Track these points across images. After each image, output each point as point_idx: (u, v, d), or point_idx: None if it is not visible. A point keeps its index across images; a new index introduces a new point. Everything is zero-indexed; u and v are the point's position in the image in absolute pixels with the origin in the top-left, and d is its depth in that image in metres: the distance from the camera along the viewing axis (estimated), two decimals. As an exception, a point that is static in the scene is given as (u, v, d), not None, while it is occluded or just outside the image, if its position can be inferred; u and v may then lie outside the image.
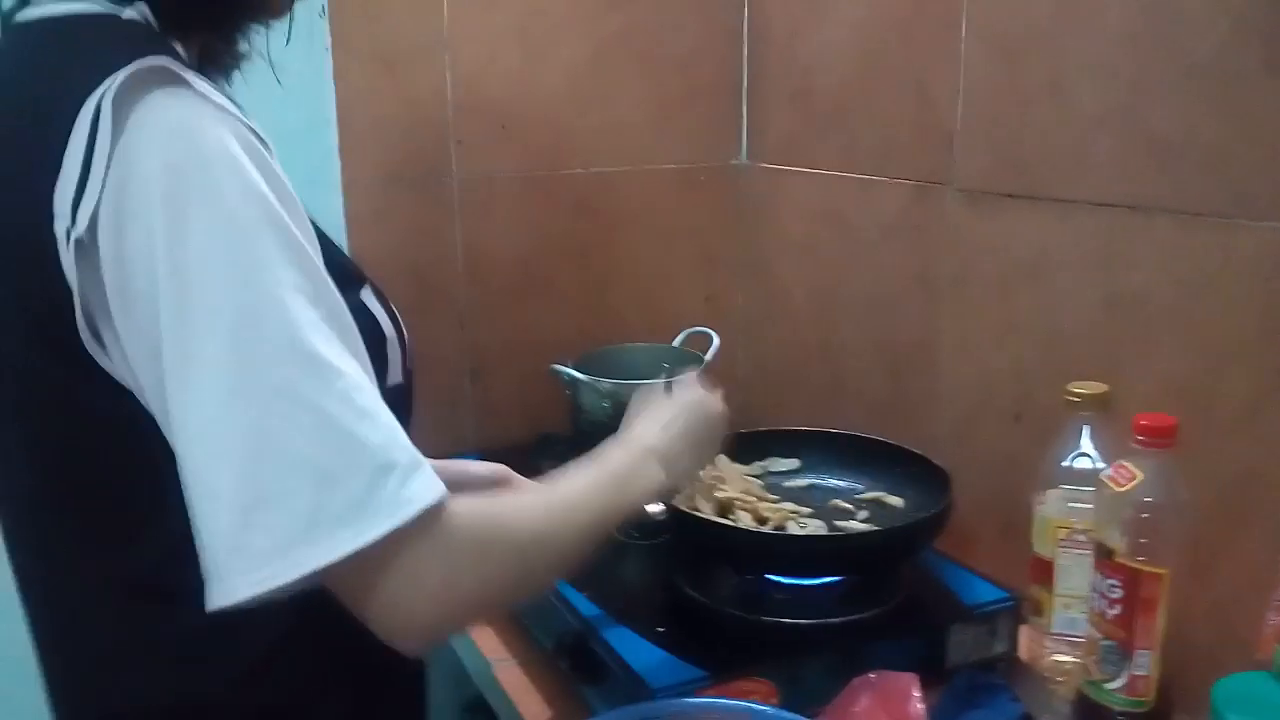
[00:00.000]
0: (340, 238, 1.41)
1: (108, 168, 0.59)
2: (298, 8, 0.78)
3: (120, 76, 0.60)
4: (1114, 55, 1.02)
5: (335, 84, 1.37)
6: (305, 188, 1.42)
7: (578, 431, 1.43)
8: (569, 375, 1.40)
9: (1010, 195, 1.16)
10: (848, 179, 1.43)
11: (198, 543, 0.60)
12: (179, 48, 0.70)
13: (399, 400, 0.75)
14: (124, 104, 0.60)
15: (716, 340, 1.48)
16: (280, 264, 0.61)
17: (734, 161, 1.65)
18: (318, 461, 0.59)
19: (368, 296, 0.77)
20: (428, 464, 0.64)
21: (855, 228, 1.43)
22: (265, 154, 0.65)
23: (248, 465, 0.59)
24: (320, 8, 1.34)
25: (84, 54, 0.64)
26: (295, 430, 0.59)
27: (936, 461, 1.16)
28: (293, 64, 1.33)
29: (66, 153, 0.60)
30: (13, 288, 0.64)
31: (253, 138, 0.65)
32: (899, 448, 1.22)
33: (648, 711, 0.84)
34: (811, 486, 1.25)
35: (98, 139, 0.59)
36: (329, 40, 1.35)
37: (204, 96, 0.63)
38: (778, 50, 1.55)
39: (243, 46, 0.79)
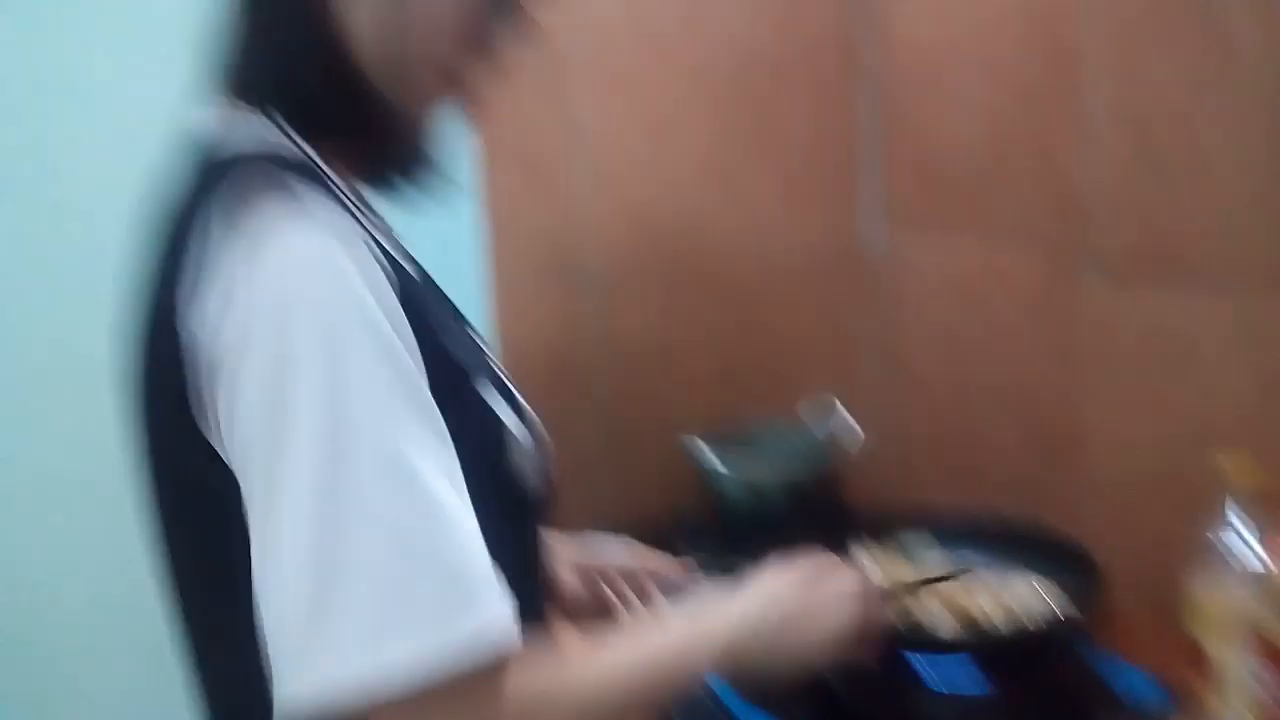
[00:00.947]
0: (487, 329, 1.49)
1: (218, 280, 0.62)
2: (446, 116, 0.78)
3: (229, 184, 0.63)
4: (1252, 126, 1.00)
5: (483, 183, 1.46)
6: (453, 281, 1.52)
7: (712, 508, 1.45)
8: (703, 454, 1.42)
9: (1152, 272, 1.14)
10: (980, 255, 1.42)
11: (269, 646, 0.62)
12: (312, 152, 0.71)
13: (532, 508, 0.77)
14: (235, 215, 0.62)
15: (850, 418, 1.48)
16: (388, 405, 0.62)
17: (864, 242, 1.67)
18: (390, 581, 0.60)
19: (496, 401, 0.76)
20: (506, 608, 0.64)
21: (990, 305, 1.42)
22: (379, 271, 0.65)
23: (320, 580, 0.60)
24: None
25: (214, 154, 0.68)
26: (373, 555, 0.60)
27: (1087, 545, 1.13)
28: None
29: (187, 258, 0.64)
30: (158, 382, 0.69)
31: (368, 254, 0.65)
32: (1045, 529, 1.19)
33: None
34: (954, 570, 1.22)
35: (209, 251, 0.63)
36: (477, 143, 1.45)
37: (316, 216, 0.63)
38: (904, 132, 1.57)
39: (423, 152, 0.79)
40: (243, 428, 0.62)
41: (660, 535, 1.49)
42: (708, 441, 1.44)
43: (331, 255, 0.62)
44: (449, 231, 1.46)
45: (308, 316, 0.61)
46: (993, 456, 1.44)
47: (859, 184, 1.65)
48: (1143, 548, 1.16)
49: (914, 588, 1.05)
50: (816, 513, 1.37)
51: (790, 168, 1.61)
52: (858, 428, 1.49)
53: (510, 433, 0.74)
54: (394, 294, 0.65)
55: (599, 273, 1.54)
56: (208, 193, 0.66)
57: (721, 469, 1.41)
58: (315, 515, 0.60)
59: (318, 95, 0.68)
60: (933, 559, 1.24)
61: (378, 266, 0.65)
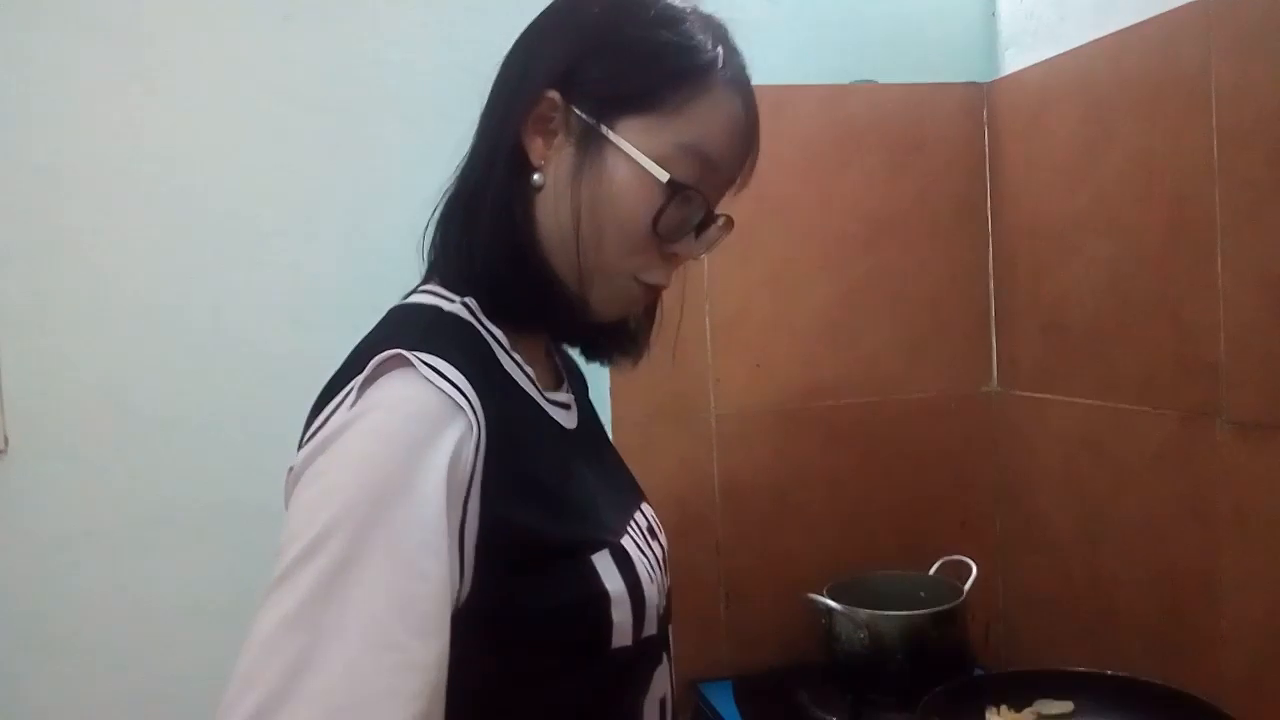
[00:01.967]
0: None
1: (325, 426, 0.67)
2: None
3: (376, 360, 0.67)
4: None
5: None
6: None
7: (833, 660, 1.43)
8: (824, 604, 1.41)
9: (1284, 428, 1.12)
10: (1107, 408, 1.41)
11: None
12: (501, 336, 0.77)
13: (625, 663, 0.76)
14: (370, 382, 0.67)
15: (975, 569, 1.46)
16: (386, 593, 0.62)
17: (985, 389, 1.67)
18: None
19: (602, 560, 0.75)
20: None
21: (1117, 457, 1.40)
22: (469, 457, 0.66)
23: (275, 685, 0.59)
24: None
25: (384, 332, 0.75)
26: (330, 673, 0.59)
27: (1225, 708, 1.08)
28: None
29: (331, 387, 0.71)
30: None
31: (470, 437, 0.67)
32: (1182, 693, 1.14)
33: None
34: (1085, 731, 1.18)
35: (341, 381, 0.69)
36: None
37: (441, 391, 0.66)
38: (1025, 284, 1.59)
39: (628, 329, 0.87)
40: (283, 532, 0.65)
41: (778, 682, 1.48)
42: (828, 591, 1.43)
43: (414, 426, 0.65)
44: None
45: (364, 474, 0.63)
46: (1123, 608, 1.39)
47: (982, 335, 1.67)
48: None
49: None
50: (939, 663, 1.33)
51: (912, 321, 1.65)
52: (977, 577, 1.46)
53: (611, 600, 0.73)
54: (475, 483, 0.67)
55: (720, 420, 1.57)
56: (369, 345, 0.73)
57: (840, 615, 1.40)
58: (276, 647, 0.59)
59: (511, 290, 0.74)
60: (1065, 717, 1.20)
61: (472, 452, 0.67)
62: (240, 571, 1.43)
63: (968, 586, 1.43)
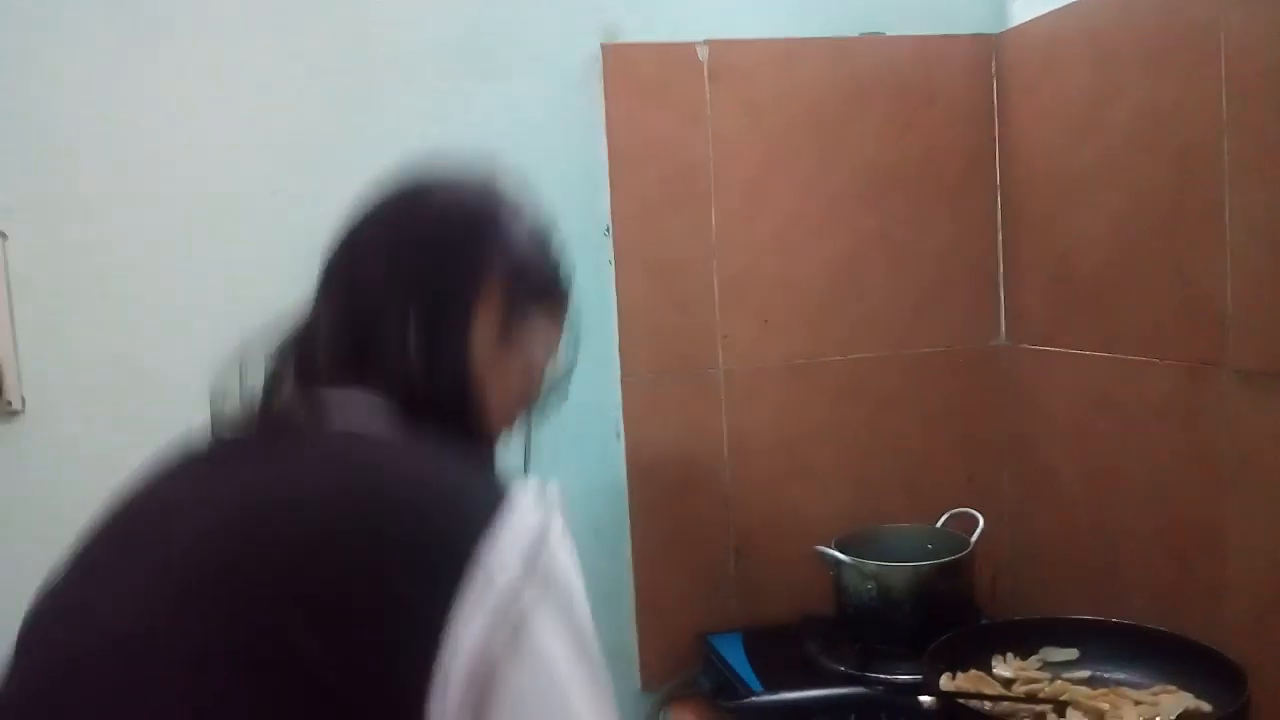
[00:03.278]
0: (617, 426, 1.55)
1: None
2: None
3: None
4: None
5: (616, 291, 1.53)
6: (588, 384, 1.59)
7: (842, 613, 1.45)
8: (832, 556, 1.43)
9: (1290, 379, 1.13)
10: (1113, 360, 1.42)
11: None
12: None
13: None
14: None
15: (982, 521, 1.47)
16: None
17: (993, 343, 1.68)
18: None
19: None
20: None
21: (1125, 409, 1.40)
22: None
23: None
24: (605, 228, 1.53)
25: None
26: None
27: (1229, 654, 1.10)
28: (581, 274, 1.54)
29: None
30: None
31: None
32: (1186, 639, 1.16)
33: None
34: (1092, 678, 1.20)
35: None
36: (611, 254, 1.53)
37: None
38: (1033, 237, 1.59)
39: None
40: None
41: (787, 634, 1.51)
42: (836, 543, 1.45)
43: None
44: (584, 334, 1.54)
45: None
46: (1128, 559, 1.41)
47: (990, 289, 1.67)
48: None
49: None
50: (946, 614, 1.35)
51: (921, 276, 1.65)
52: (984, 529, 1.47)
53: None
54: None
55: (727, 375, 1.58)
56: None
57: (848, 567, 1.42)
58: None
59: (452, 426, 0.83)
60: (1070, 665, 1.22)
61: None
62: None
63: (974, 539, 1.45)
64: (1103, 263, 1.43)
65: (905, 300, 1.64)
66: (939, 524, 1.54)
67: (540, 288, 0.91)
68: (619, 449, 1.56)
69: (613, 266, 1.54)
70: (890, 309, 1.64)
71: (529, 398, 0.93)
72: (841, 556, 1.42)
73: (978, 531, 1.46)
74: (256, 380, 0.84)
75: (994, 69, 1.64)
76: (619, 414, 1.55)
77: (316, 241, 1.47)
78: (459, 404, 0.83)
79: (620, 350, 1.54)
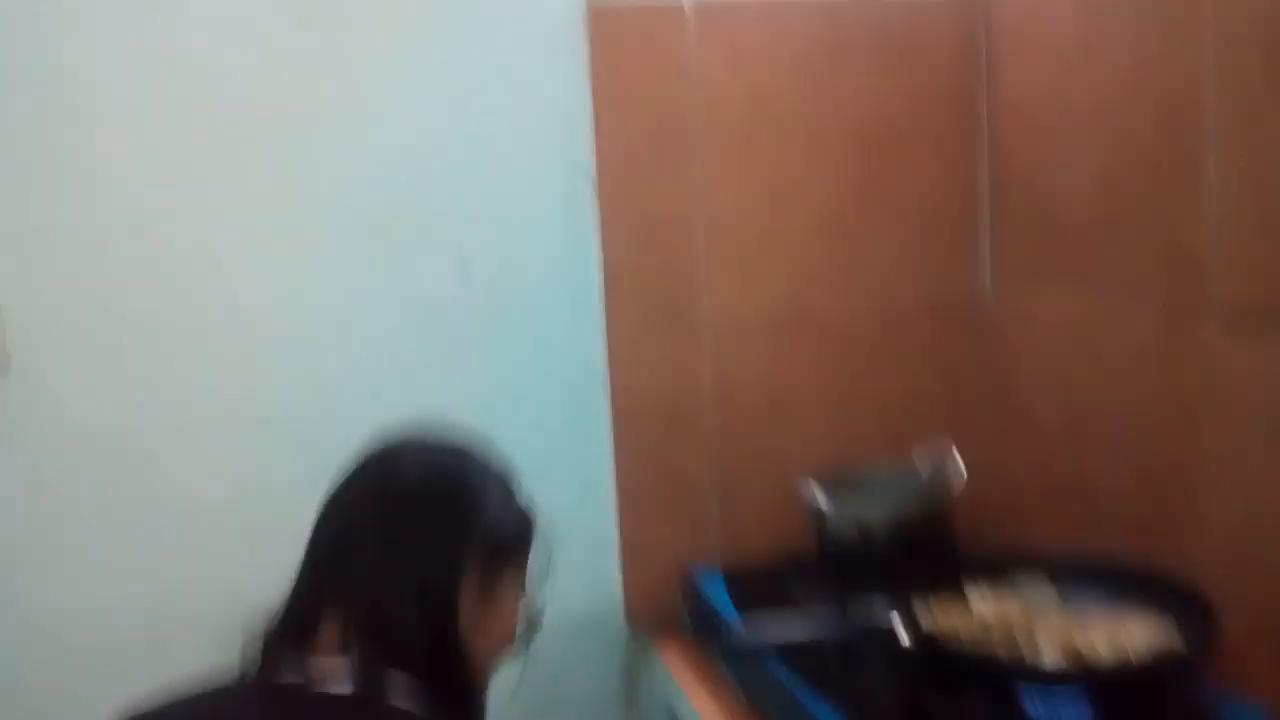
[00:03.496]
0: (602, 372, 1.56)
1: None
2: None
3: None
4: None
5: (600, 239, 1.54)
6: (572, 329, 1.60)
7: (822, 551, 1.48)
8: (814, 496, 1.45)
9: (1270, 319, 1.14)
10: (1095, 304, 1.43)
11: None
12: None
13: None
14: None
15: (962, 464, 1.49)
16: None
17: (976, 289, 1.68)
18: None
19: None
20: None
21: (1105, 353, 1.42)
22: None
23: None
24: (589, 178, 1.53)
25: None
26: None
27: (1202, 587, 1.12)
28: (563, 222, 1.54)
29: None
30: None
31: None
32: (1160, 573, 1.18)
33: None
34: (1067, 611, 1.22)
35: None
36: (595, 200, 1.53)
37: None
38: (1018, 187, 1.59)
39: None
40: None
41: (769, 572, 1.53)
42: (818, 485, 1.47)
43: None
44: (567, 282, 1.55)
45: None
46: (1105, 500, 1.43)
47: (974, 237, 1.68)
48: (1259, 590, 1.14)
49: None
50: (925, 553, 1.38)
51: (905, 224, 1.65)
52: (964, 471, 1.50)
53: None
54: None
55: (710, 323, 1.59)
56: None
57: (829, 507, 1.44)
58: None
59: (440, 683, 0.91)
60: (1045, 599, 1.25)
61: None
62: (239, 474, 1.47)
63: (954, 479, 1.47)
64: (1087, 210, 1.44)
65: (889, 249, 1.65)
66: (919, 466, 1.56)
67: (514, 546, 0.99)
68: (603, 394, 1.57)
69: (596, 213, 1.54)
70: (875, 257, 1.64)
71: (511, 638, 1.01)
72: (822, 496, 1.44)
73: (957, 472, 1.48)
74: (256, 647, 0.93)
75: (982, 18, 1.63)
76: (603, 360, 1.56)
77: (297, 191, 1.49)
78: (450, 670, 0.92)
79: (605, 299, 1.55)
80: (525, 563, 1.01)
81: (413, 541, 0.93)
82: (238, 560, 1.43)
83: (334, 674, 0.87)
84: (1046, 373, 1.55)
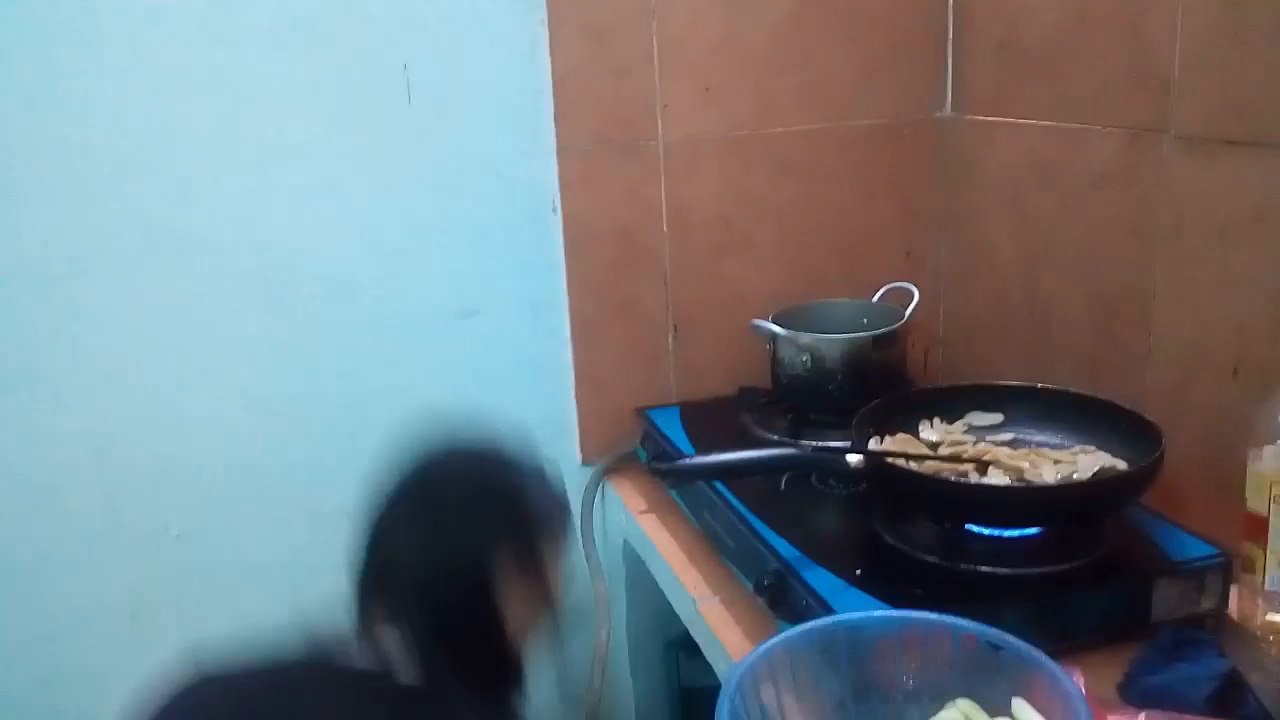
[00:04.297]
0: (554, 199, 1.51)
1: None
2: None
3: None
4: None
5: (550, 55, 1.45)
6: (523, 154, 1.53)
7: (777, 385, 1.48)
8: (769, 330, 1.44)
9: (1231, 142, 1.11)
10: (1057, 128, 1.39)
11: None
12: None
13: None
14: None
15: (917, 295, 1.48)
16: None
17: (938, 114, 1.64)
18: None
19: None
20: None
21: (1065, 178, 1.40)
22: None
23: None
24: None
25: None
26: None
27: (1148, 416, 1.14)
28: (511, 37, 1.45)
29: None
30: None
31: None
32: (1108, 403, 1.20)
33: (849, 622, 0.87)
34: (1015, 441, 1.24)
35: None
36: (545, 14, 1.44)
37: None
38: (984, 3, 1.52)
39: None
40: None
41: (723, 407, 1.54)
42: (774, 319, 1.46)
43: None
44: (517, 103, 1.47)
45: None
46: (1059, 330, 1.44)
47: (937, 58, 1.61)
48: (1198, 418, 1.17)
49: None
50: (877, 383, 1.38)
51: (866, 42, 1.58)
52: (918, 298, 1.49)
53: None
54: None
55: (665, 147, 1.53)
56: None
57: (782, 337, 1.43)
58: None
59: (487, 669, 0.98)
60: (995, 432, 1.26)
61: None
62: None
63: (909, 312, 1.46)
64: (1053, 28, 1.38)
65: (850, 69, 1.58)
66: (875, 299, 1.55)
67: (552, 536, 1.03)
68: (556, 223, 1.52)
69: (546, 27, 1.45)
70: (834, 78, 1.58)
71: (548, 613, 1.04)
72: (777, 329, 1.43)
73: (912, 305, 1.48)
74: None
75: None
76: (555, 186, 1.50)
77: (286, 108, 1.38)
78: (495, 652, 0.98)
79: (555, 119, 1.48)
80: (560, 549, 1.04)
81: (460, 550, 0.96)
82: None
83: (394, 663, 0.91)
84: (1005, 199, 1.53)
